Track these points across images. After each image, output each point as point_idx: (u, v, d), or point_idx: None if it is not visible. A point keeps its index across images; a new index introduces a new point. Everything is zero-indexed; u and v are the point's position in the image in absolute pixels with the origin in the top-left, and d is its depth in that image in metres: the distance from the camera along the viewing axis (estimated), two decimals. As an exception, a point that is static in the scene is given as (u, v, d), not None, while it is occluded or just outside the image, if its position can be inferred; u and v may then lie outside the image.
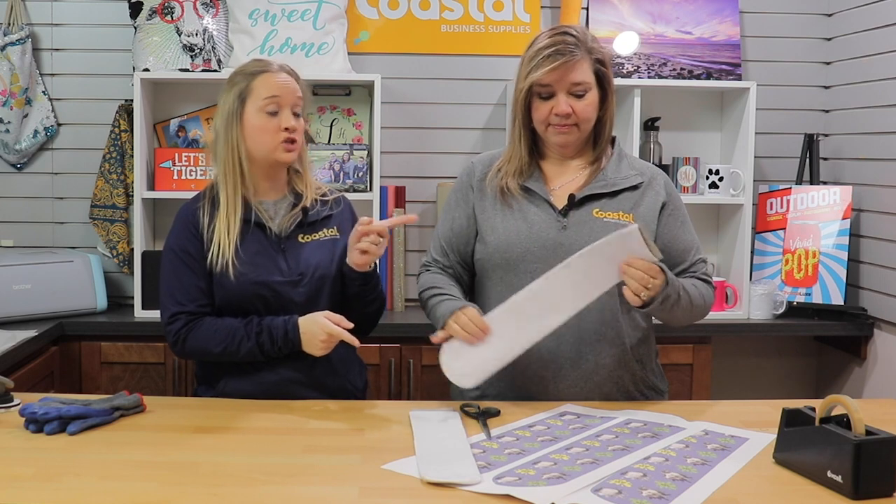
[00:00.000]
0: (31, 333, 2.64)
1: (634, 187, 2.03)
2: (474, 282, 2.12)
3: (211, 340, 2.02)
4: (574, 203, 2.00)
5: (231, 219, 2.03)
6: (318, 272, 2.08)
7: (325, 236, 2.12)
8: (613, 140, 2.09)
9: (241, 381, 2.05)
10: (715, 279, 3.15)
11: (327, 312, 1.98)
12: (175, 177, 3.13)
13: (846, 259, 3.11)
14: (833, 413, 1.53)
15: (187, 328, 2.03)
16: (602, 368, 1.99)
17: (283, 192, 2.13)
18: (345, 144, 3.18)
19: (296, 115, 2.07)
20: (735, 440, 1.71)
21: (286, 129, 2.04)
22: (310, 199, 2.12)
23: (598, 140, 2.05)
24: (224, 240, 2.02)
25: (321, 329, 1.96)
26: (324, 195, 2.17)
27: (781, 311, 3.14)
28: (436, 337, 1.92)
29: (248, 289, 2.02)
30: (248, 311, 2.04)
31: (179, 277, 2.06)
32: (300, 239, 2.10)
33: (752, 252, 3.28)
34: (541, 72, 1.93)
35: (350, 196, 3.05)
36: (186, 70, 3.16)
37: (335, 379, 2.10)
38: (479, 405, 1.88)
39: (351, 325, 1.96)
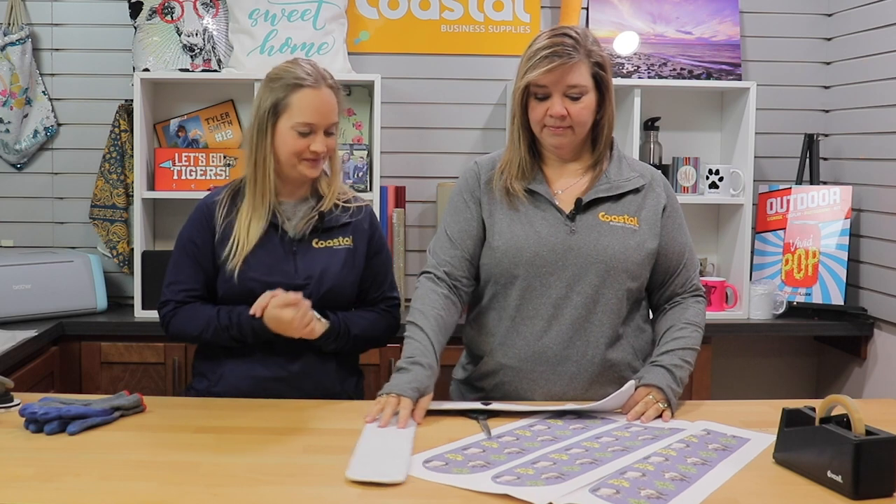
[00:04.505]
0: (31, 333, 2.64)
1: (637, 190, 2.02)
2: (478, 287, 2.09)
3: (188, 325, 2.07)
4: (580, 207, 1.99)
5: (254, 223, 2.04)
6: (326, 280, 2.07)
7: (340, 245, 2.11)
8: (612, 141, 2.08)
9: (236, 379, 2.06)
10: (715, 279, 3.17)
11: (279, 299, 1.95)
12: (175, 177, 3.13)
13: (846, 259, 3.11)
14: (833, 413, 1.53)
15: (172, 313, 2.09)
16: (608, 370, 2.00)
17: (306, 195, 2.13)
18: (345, 144, 3.18)
19: (329, 134, 2.06)
20: (737, 440, 1.71)
21: (314, 151, 2.03)
22: (329, 203, 2.10)
23: (596, 143, 2.04)
24: (243, 239, 2.04)
25: (279, 322, 1.96)
26: (347, 201, 2.14)
27: (781, 311, 3.14)
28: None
29: (249, 286, 2.03)
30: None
31: (181, 267, 2.11)
32: (314, 244, 2.09)
33: (752, 252, 3.28)
34: (537, 72, 1.91)
35: (350, 196, 3.08)
36: (186, 70, 3.16)
37: (328, 384, 2.10)
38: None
39: (297, 298, 1.96)
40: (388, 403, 1.80)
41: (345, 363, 2.15)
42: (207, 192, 2.21)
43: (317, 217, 2.09)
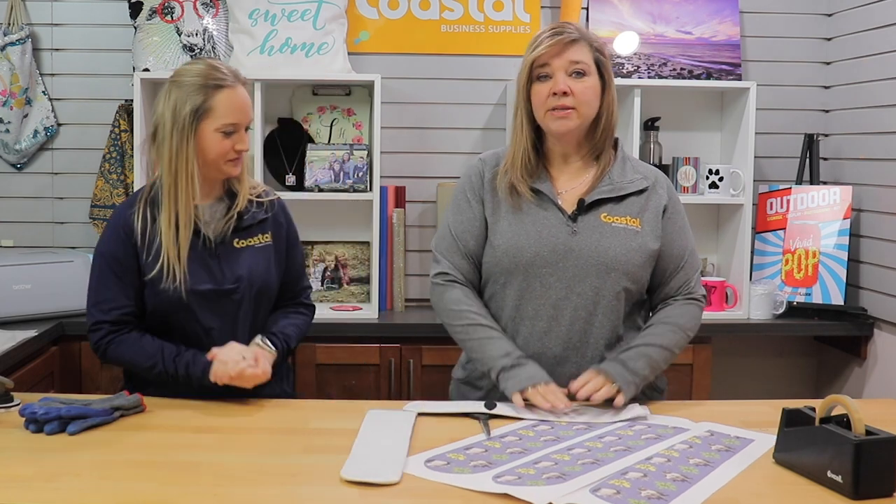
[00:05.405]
0: (31, 333, 2.63)
1: (640, 191, 2.02)
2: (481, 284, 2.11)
3: (132, 358, 2.02)
4: (583, 207, 1.99)
5: (182, 232, 1.99)
6: (256, 280, 2.06)
7: (260, 242, 2.10)
8: (616, 142, 2.08)
9: (165, 390, 2.02)
10: (715, 279, 3.17)
11: (246, 379, 1.95)
12: (175, 177, 3.13)
13: (846, 259, 3.11)
14: (833, 413, 1.53)
15: (108, 339, 2.02)
16: (606, 371, 2.00)
17: (219, 194, 2.10)
18: (345, 144, 3.18)
19: (247, 129, 2.06)
20: (740, 441, 1.71)
21: (238, 150, 2.02)
22: (244, 201, 2.08)
23: (596, 133, 2.02)
24: (173, 252, 1.98)
25: (235, 379, 1.95)
26: (259, 196, 2.13)
27: (781, 311, 3.14)
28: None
29: (179, 296, 2.00)
30: (179, 319, 2.02)
31: (107, 285, 2.03)
32: (235, 244, 2.07)
33: (752, 252, 3.28)
34: (540, 49, 1.94)
35: (350, 196, 3.08)
36: (186, 70, 3.15)
37: (267, 389, 2.07)
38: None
39: (259, 374, 1.95)
40: (539, 392, 1.87)
41: (278, 367, 2.15)
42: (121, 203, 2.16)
43: (235, 217, 2.07)
